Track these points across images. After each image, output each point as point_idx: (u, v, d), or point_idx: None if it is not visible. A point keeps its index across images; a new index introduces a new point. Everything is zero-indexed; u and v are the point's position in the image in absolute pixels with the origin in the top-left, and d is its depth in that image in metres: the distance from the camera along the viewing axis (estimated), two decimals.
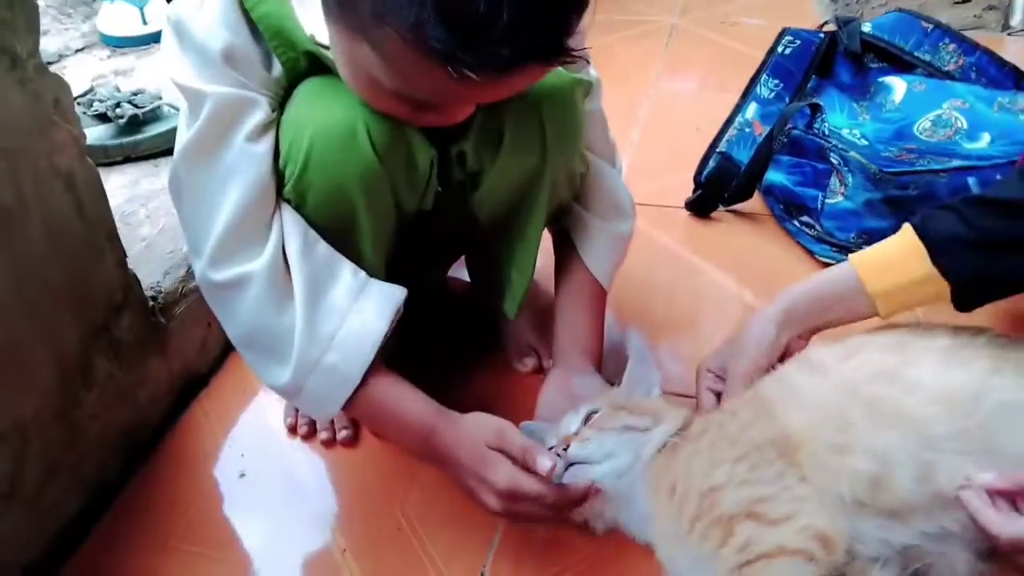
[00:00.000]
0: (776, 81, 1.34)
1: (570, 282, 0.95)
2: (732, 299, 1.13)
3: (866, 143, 1.19)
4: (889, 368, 0.72)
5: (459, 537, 0.83)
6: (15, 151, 0.74)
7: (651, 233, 1.28)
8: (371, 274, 0.78)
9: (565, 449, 0.75)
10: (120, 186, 1.18)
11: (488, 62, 0.55)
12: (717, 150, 1.33)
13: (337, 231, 0.77)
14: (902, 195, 1.12)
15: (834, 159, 1.19)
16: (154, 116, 1.27)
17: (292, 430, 0.98)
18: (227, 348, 1.10)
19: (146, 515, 0.89)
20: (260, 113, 0.73)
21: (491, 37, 0.53)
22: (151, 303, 0.97)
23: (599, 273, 0.94)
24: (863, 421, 0.68)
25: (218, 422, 1.01)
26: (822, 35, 1.33)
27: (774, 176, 1.27)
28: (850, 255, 0.81)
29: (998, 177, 1.07)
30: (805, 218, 1.23)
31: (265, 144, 0.73)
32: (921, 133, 1.18)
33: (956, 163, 1.10)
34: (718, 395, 0.84)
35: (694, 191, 1.33)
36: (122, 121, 1.24)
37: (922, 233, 0.76)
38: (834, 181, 1.19)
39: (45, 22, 1.58)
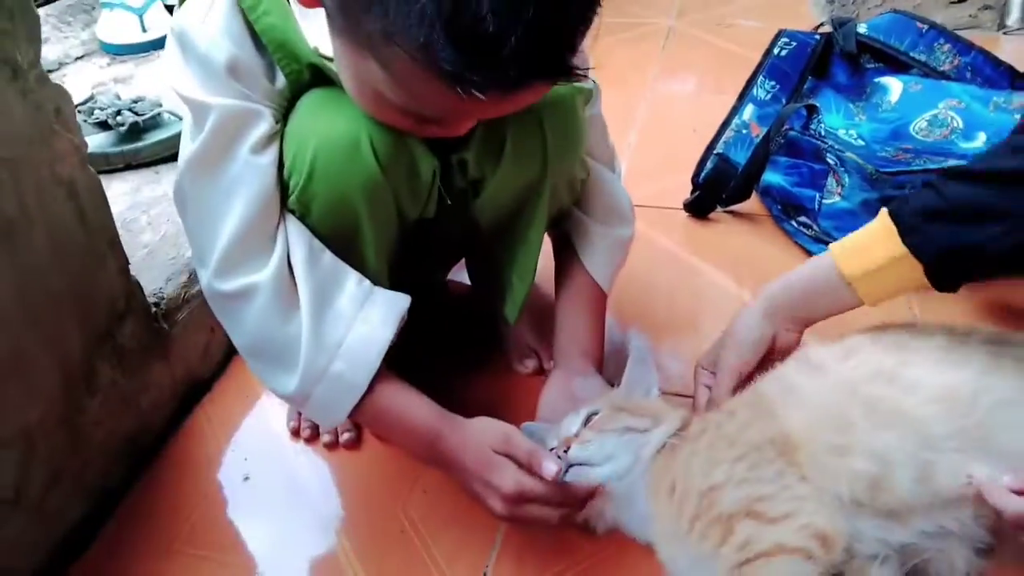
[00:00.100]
0: (772, 83, 1.34)
1: (570, 286, 0.95)
2: (731, 299, 1.14)
3: (862, 143, 1.20)
4: (887, 368, 0.71)
5: (462, 538, 0.84)
6: (17, 161, 0.75)
7: (650, 234, 1.28)
8: (375, 282, 0.79)
9: (566, 451, 0.75)
10: (121, 193, 1.19)
11: (496, 82, 0.55)
12: (714, 152, 1.33)
13: (341, 240, 0.77)
14: (899, 195, 1.11)
15: (831, 159, 1.19)
16: (155, 123, 1.28)
17: (295, 433, 0.99)
18: (229, 353, 1.11)
19: (150, 520, 0.90)
20: (264, 125, 0.73)
21: (500, 58, 0.53)
22: (153, 309, 0.98)
23: (599, 277, 0.94)
24: (862, 421, 0.68)
25: (221, 427, 1.02)
26: (818, 36, 1.34)
27: (771, 177, 1.27)
28: (831, 244, 0.80)
29: None
30: (803, 218, 1.24)
31: (269, 156, 0.74)
32: (917, 133, 1.18)
33: (952, 163, 1.10)
34: None
35: (692, 192, 1.34)
36: (123, 128, 1.25)
37: (894, 213, 0.74)
38: (831, 181, 1.19)
39: (45, 30, 1.58)
